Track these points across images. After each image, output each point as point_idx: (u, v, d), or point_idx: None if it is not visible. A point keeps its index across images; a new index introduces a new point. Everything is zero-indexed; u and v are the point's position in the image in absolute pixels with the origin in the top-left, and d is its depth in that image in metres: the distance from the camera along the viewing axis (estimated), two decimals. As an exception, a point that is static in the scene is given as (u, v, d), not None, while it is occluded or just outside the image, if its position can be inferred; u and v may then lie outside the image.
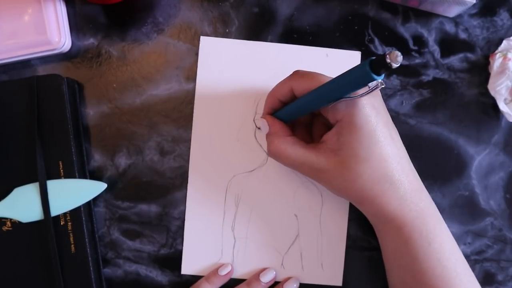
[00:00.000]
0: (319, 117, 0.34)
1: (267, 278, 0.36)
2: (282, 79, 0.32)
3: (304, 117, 0.33)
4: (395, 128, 0.31)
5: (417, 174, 0.31)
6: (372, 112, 0.28)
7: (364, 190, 0.29)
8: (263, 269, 0.37)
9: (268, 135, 0.33)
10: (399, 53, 0.23)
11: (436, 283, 0.29)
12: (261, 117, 0.33)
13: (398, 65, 0.23)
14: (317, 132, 0.34)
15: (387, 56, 0.22)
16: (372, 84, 0.25)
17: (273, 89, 0.33)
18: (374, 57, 0.24)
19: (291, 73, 0.31)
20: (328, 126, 0.31)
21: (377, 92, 0.30)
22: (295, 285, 0.36)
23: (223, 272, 0.36)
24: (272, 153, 0.32)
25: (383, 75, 0.24)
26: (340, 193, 0.31)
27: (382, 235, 0.33)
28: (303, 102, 0.30)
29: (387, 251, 0.33)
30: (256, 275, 0.36)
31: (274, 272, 0.37)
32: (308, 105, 0.30)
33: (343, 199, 0.37)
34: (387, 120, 0.30)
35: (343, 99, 0.28)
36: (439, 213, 0.32)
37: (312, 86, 0.29)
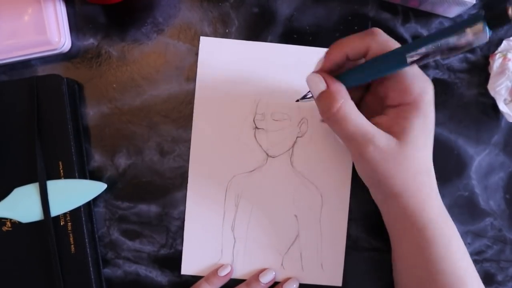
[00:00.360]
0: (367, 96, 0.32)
1: (266, 278, 0.36)
2: (354, 34, 0.28)
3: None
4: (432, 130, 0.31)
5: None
6: (433, 105, 0.29)
7: (408, 179, 0.29)
8: (263, 270, 0.37)
9: (324, 95, 0.28)
10: None
11: (452, 282, 0.29)
12: (312, 73, 0.29)
13: None
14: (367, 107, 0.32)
15: (510, 8, 0.20)
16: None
17: (341, 41, 0.29)
18: (486, 11, 0.22)
19: (367, 30, 0.28)
20: (376, 108, 0.31)
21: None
22: (294, 286, 0.36)
23: (223, 273, 0.36)
24: (332, 115, 0.28)
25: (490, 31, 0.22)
26: (379, 178, 0.30)
27: (400, 234, 0.32)
28: (379, 63, 0.27)
29: (403, 251, 0.32)
30: (256, 276, 0.36)
31: (274, 273, 0.37)
32: (385, 68, 0.27)
33: (343, 199, 0.37)
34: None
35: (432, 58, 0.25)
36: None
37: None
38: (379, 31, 0.28)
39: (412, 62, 0.26)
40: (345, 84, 0.29)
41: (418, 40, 0.25)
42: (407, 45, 0.26)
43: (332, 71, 0.30)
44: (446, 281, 0.29)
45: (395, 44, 0.28)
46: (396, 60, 0.26)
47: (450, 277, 0.29)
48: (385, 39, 0.28)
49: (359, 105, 0.32)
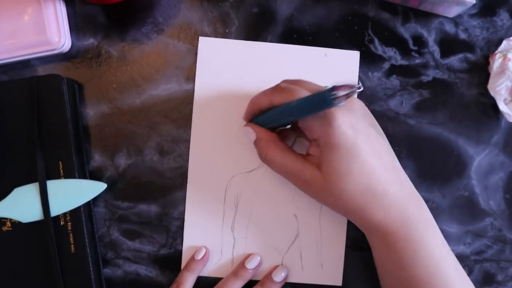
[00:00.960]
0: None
1: (279, 278, 0.36)
2: (264, 90, 0.32)
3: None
4: (380, 138, 0.30)
5: (406, 181, 0.31)
6: (348, 130, 0.28)
7: (348, 203, 0.30)
8: (275, 268, 0.37)
9: (256, 142, 0.33)
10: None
11: (427, 276, 0.29)
12: (244, 126, 0.33)
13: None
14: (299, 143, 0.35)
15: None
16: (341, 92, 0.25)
17: (254, 97, 0.33)
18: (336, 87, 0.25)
19: (275, 84, 0.32)
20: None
21: (353, 107, 0.29)
22: (283, 274, 0.36)
23: (199, 256, 0.36)
24: (263, 158, 0.32)
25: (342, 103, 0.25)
26: (326, 205, 0.32)
27: (371, 243, 0.33)
28: (276, 113, 0.31)
29: (376, 258, 0.33)
30: (269, 275, 0.36)
31: (286, 270, 0.37)
32: (281, 118, 0.31)
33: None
34: (367, 134, 0.29)
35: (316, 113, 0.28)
36: (431, 218, 0.31)
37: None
38: (279, 87, 0.31)
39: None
40: (264, 126, 0.33)
41: (297, 110, 0.29)
42: (287, 108, 0.29)
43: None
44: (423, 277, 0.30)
45: (292, 95, 0.30)
46: (285, 116, 0.30)
47: (419, 284, 0.30)
48: (283, 93, 0.30)
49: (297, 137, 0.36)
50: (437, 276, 0.30)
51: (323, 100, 0.25)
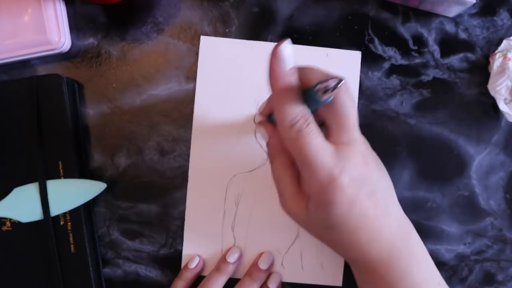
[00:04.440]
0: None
1: (265, 264, 0.36)
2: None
3: None
4: (381, 180, 0.28)
5: (398, 211, 0.30)
6: (351, 192, 0.26)
7: (335, 246, 0.30)
8: (260, 255, 0.37)
9: (268, 146, 0.31)
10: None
11: None
12: (258, 124, 0.32)
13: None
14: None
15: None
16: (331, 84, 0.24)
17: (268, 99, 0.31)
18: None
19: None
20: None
21: (354, 162, 0.26)
22: (268, 260, 0.36)
23: (192, 265, 0.36)
24: (270, 162, 0.31)
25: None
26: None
27: (357, 273, 0.32)
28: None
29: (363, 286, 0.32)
30: (255, 264, 0.36)
31: (272, 256, 0.37)
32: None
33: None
34: (370, 187, 0.27)
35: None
36: (418, 243, 0.30)
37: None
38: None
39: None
40: None
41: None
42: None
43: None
44: None
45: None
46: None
47: None
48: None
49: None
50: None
51: (312, 98, 0.25)
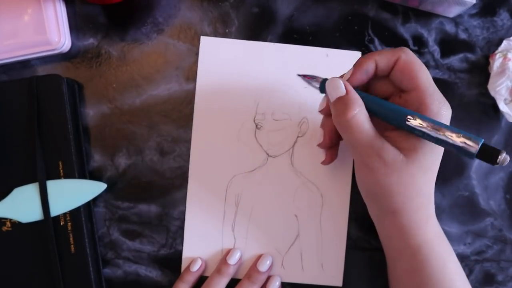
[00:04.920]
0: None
1: (265, 266, 0.36)
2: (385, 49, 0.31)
3: None
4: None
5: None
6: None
7: (408, 199, 0.29)
8: (259, 258, 0.37)
9: (342, 101, 0.29)
10: (509, 158, 0.24)
11: None
12: (335, 77, 0.30)
13: (497, 165, 0.25)
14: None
15: (501, 155, 0.24)
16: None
17: (372, 52, 0.30)
18: (487, 145, 0.25)
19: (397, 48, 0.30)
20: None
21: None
22: (268, 262, 0.36)
23: (194, 268, 0.36)
24: (346, 120, 0.28)
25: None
26: (379, 192, 0.30)
27: (395, 253, 0.32)
28: (397, 114, 0.29)
29: (399, 270, 0.32)
30: (254, 266, 0.36)
31: (271, 258, 0.36)
32: (387, 115, 0.29)
33: (343, 199, 0.37)
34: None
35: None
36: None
37: (415, 84, 0.29)
38: (407, 49, 0.29)
39: (408, 127, 0.28)
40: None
41: (428, 118, 0.27)
42: (417, 114, 0.28)
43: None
44: None
45: (419, 64, 0.29)
46: (398, 117, 0.28)
47: None
48: (412, 55, 0.29)
49: (372, 116, 0.32)
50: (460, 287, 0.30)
51: (469, 153, 0.26)
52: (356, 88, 0.30)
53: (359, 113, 0.28)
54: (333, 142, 0.33)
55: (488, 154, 0.25)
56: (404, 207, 0.29)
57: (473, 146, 0.25)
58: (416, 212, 0.29)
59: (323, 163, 0.34)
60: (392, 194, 0.29)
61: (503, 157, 0.24)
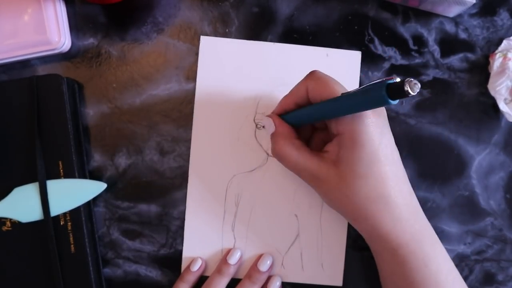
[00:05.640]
0: (320, 126, 0.34)
1: (265, 266, 0.36)
2: (296, 82, 0.31)
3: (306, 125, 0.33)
4: (397, 149, 0.30)
5: (414, 195, 0.31)
6: (376, 131, 0.28)
7: (360, 208, 0.29)
8: (259, 257, 0.37)
9: (273, 135, 0.32)
10: (418, 82, 0.22)
11: None
12: (268, 115, 0.33)
13: (414, 94, 0.22)
14: (317, 141, 0.34)
15: (406, 84, 0.22)
16: None
17: (290, 91, 0.32)
18: (390, 81, 0.23)
19: (307, 73, 0.31)
20: (330, 137, 0.31)
21: (383, 110, 0.29)
22: (268, 262, 0.36)
23: (195, 267, 0.36)
24: (276, 154, 0.32)
25: (397, 100, 0.24)
26: (335, 207, 0.31)
27: (378, 255, 0.32)
28: (314, 110, 0.30)
29: (383, 271, 0.32)
30: (254, 266, 0.36)
31: (271, 258, 0.36)
32: (318, 114, 0.30)
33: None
34: (390, 140, 0.29)
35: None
36: (435, 234, 0.31)
37: (326, 93, 0.28)
38: (314, 74, 0.30)
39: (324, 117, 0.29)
40: (293, 123, 0.32)
41: (342, 107, 0.27)
42: (332, 105, 0.28)
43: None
44: None
45: (327, 85, 0.29)
46: (324, 113, 0.29)
47: None
48: (318, 82, 0.29)
49: (316, 132, 0.34)
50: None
51: (380, 97, 0.24)
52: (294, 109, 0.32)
53: (284, 145, 0.31)
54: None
55: (398, 90, 0.23)
56: (360, 215, 0.30)
57: (380, 89, 0.23)
58: (378, 219, 0.29)
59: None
60: (343, 205, 0.30)
61: (411, 84, 0.22)
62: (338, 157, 0.29)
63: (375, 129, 0.28)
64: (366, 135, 0.28)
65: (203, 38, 0.37)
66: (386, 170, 0.28)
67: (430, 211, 0.38)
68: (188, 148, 0.37)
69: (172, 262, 0.37)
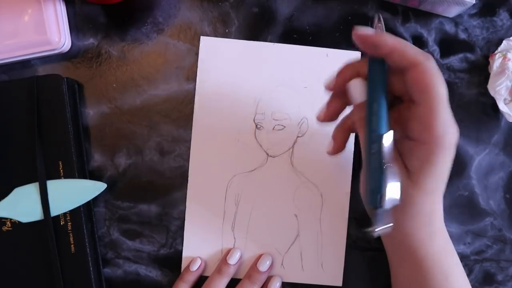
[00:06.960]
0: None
1: (265, 266, 0.36)
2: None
3: None
4: None
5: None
6: (454, 150, 0.27)
7: (406, 219, 0.29)
8: (259, 257, 0.37)
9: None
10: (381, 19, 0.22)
11: None
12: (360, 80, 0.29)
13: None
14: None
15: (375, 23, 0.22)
16: None
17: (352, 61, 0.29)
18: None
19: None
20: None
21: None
22: (268, 262, 0.36)
23: (194, 267, 0.36)
24: None
25: None
26: None
27: (399, 262, 0.32)
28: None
29: (399, 280, 0.32)
30: (254, 266, 0.36)
31: (271, 258, 0.36)
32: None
33: (343, 199, 0.37)
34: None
35: None
36: (453, 245, 0.32)
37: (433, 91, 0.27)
38: (431, 59, 0.27)
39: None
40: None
41: None
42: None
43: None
44: None
45: (437, 79, 0.27)
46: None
47: None
48: (433, 67, 0.27)
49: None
50: None
51: None
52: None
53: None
54: (344, 145, 0.32)
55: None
56: (405, 224, 0.29)
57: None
58: (418, 230, 0.29)
59: (330, 152, 0.32)
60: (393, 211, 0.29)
61: (375, 23, 0.22)
62: (413, 167, 0.28)
63: (455, 146, 0.27)
64: (451, 150, 0.27)
65: (203, 38, 0.37)
66: (445, 186, 0.29)
67: (430, 211, 0.38)
68: (188, 148, 0.37)
69: (172, 262, 0.37)
